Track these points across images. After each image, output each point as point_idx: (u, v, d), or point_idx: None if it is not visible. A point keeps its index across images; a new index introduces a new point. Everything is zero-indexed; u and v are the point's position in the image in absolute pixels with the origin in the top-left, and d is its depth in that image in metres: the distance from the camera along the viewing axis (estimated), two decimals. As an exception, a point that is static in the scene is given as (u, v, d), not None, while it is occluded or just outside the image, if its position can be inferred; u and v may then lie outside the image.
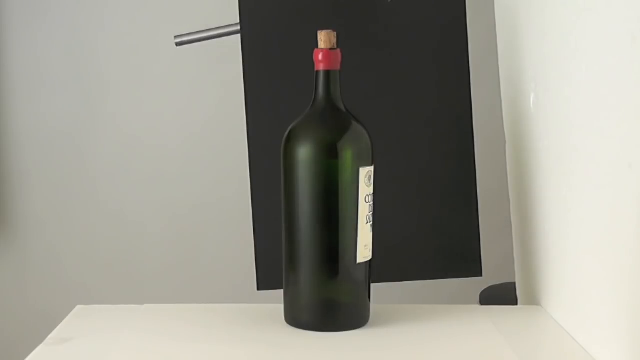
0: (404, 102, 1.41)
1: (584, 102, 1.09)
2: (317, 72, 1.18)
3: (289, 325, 1.20)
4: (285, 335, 1.17)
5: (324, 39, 1.18)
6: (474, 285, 1.69)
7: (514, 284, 1.46)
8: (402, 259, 1.40)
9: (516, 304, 1.44)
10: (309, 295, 1.19)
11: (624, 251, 0.99)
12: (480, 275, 1.42)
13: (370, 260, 1.20)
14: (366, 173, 1.18)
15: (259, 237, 1.39)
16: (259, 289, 1.40)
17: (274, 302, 1.28)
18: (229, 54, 1.77)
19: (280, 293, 1.27)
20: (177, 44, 1.74)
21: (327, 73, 1.18)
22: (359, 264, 1.18)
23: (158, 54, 2.34)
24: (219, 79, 2.25)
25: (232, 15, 1.48)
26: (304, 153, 1.16)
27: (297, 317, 1.19)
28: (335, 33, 1.18)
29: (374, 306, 1.22)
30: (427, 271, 1.43)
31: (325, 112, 1.18)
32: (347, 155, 1.16)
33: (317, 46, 1.19)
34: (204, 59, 2.24)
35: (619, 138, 0.98)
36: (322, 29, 1.18)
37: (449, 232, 1.41)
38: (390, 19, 1.41)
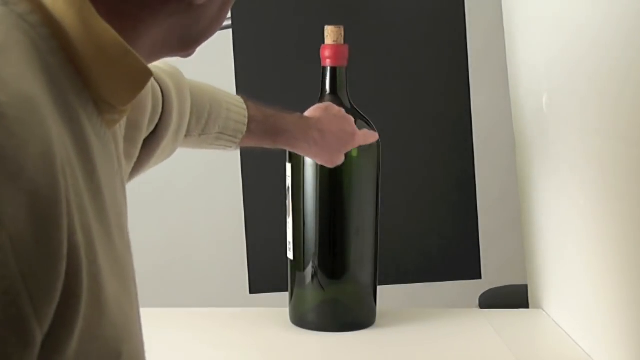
0: (402, 102, 1.40)
1: (603, 103, 1.02)
2: (324, 68, 1.16)
3: (294, 326, 1.19)
4: (290, 335, 1.16)
5: (332, 34, 1.15)
6: (474, 288, 1.69)
7: (513, 287, 1.45)
8: (401, 262, 1.39)
9: (516, 307, 1.42)
10: (315, 296, 1.17)
11: (626, 255, 0.97)
12: (480, 277, 1.41)
13: (377, 262, 1.19)
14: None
15: (251, 240, 1.38)
16: (251, 292, 1.39)
17: (266, 305, 1.28)
18: (220, 49, 1.75)
19: (271, 297, 1.25)
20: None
21: (334, 69, 1.15)
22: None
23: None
24: (209, 75, 2.22)
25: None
26: None
27: (303, 318, 1.18)
28: (342, 28, 1.16)
29: (377, 308, 1.22)
30: (426, 274, 1.42)
31: None
32: (353, 152, 1.14)
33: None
34: (194, 54, 2.22)
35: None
36: (329, 24, 1.16)
37: (448, 235, 1.40)
38: (388, 15, 1.39)
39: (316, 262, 1.16)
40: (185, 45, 0.61)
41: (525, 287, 1.36)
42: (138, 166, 0.84)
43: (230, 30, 1.39)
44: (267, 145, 1.04)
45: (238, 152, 1.38)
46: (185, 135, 0.93)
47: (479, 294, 1.85)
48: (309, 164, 1.15)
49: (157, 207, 2.35)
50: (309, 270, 1.17)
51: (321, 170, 1.15)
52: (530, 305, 1.34)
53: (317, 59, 1.17)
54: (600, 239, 1.05)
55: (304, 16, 1.36)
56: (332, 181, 1.15)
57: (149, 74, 0.55)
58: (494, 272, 1.67)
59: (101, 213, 0.52)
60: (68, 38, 0.51)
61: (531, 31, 1.27)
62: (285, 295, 1.21)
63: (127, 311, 0.55)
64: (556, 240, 1.21)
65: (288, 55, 1.35)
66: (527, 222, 1.33)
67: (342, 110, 1.10)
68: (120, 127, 0.69)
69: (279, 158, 1.20)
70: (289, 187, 1.18)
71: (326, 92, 1.16)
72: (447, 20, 1.39)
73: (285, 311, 1.20)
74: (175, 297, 2.33)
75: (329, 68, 1.16)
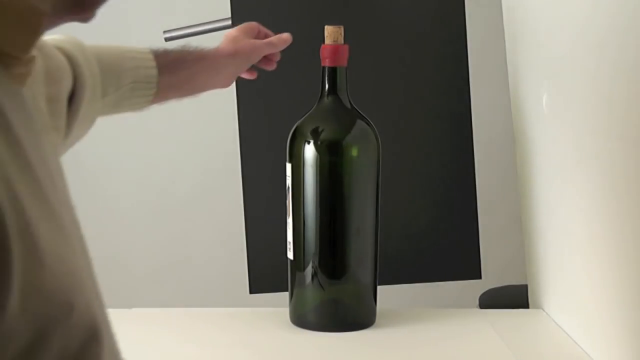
0: (402, 102, 1.40)
1: (603, 103, 1.01)
2: (324, 68, 1.16)
3: (294, 326, 1.19)
4: (290, 335, 1.16)
5: (331, 34, 1.15)
6: (474, 288, 1.69)
7: (513, 287, 1.45)
8: (400, 262, 1.38)
9: (516, 307, 1.42)
10: (315, 296, 1.17)
11: (626, 255, 0.97)
12: (480, 277, 1.41)
13: (377, 262, 1.18)
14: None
15: (251, 239, 1.37)
16: (251, 292, 1.38)
17: (266, 305, 1.27)
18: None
19: (271, 297, 1.25)
20: (166, 40, 1.72)
21: (334, 69, 1.16)
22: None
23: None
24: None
25: (223, 9, 1.45)
26: (310, 151, 1.15)
27: (303, 318, 1.18)
28: (342, 28, 1.16)
29: (377, 308, 1.21)
30: (426, 274, 1.42)
31: (332, 109, 1.17)
32: (353, 152, 1.15)
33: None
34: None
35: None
36: (329, 24, 1.16)
37: (448, 235, 1.40)
38: (388, 14, 1.39)
39: (316, 262, 1.16)
40: (81, 4, 0.57)
41: (525, 287, 1.36)
42: (65, 138, 0.85)
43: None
44: (185, 80, 1.07)
45: (238, 152, 1.37)
46: (103, 96, 0.93)
47: (479, 294, 1.85)
48: (309, 164, 1.15)
49: (158, 208, 2.36)
50: (309, 270, 1.17)
51: (321, 170, 1.15)
52: (530, 305, 1.34)
53: (317, 59, 1.17)
54: (600, 239, 1.04)
55: (304, 16, 1.36)
56: (332, 181, 1.15)
57: (41, 12, 0.52)
58: (494, 272, 1.68)
59: (25, 166, 0.51)
60: None
61: (531, 31, 1.27)
62: (285, 295, 1.21)
63: (72, 263, 0.53)
64: (556, 240, 1.21)
65: (288, 55, 1.35)
66: (527, 222, 1.33)
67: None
68: (38, 85, 0.71)
69: (279, 158, 1.20)
70: (289, 187, 1.18)
71: (326, 92, 1.16)
72: (447, 20, 1.39)
73: (285, 311, 1.20)
74: (175, 297, 2.33)
75: (328, 68, 1.16)
